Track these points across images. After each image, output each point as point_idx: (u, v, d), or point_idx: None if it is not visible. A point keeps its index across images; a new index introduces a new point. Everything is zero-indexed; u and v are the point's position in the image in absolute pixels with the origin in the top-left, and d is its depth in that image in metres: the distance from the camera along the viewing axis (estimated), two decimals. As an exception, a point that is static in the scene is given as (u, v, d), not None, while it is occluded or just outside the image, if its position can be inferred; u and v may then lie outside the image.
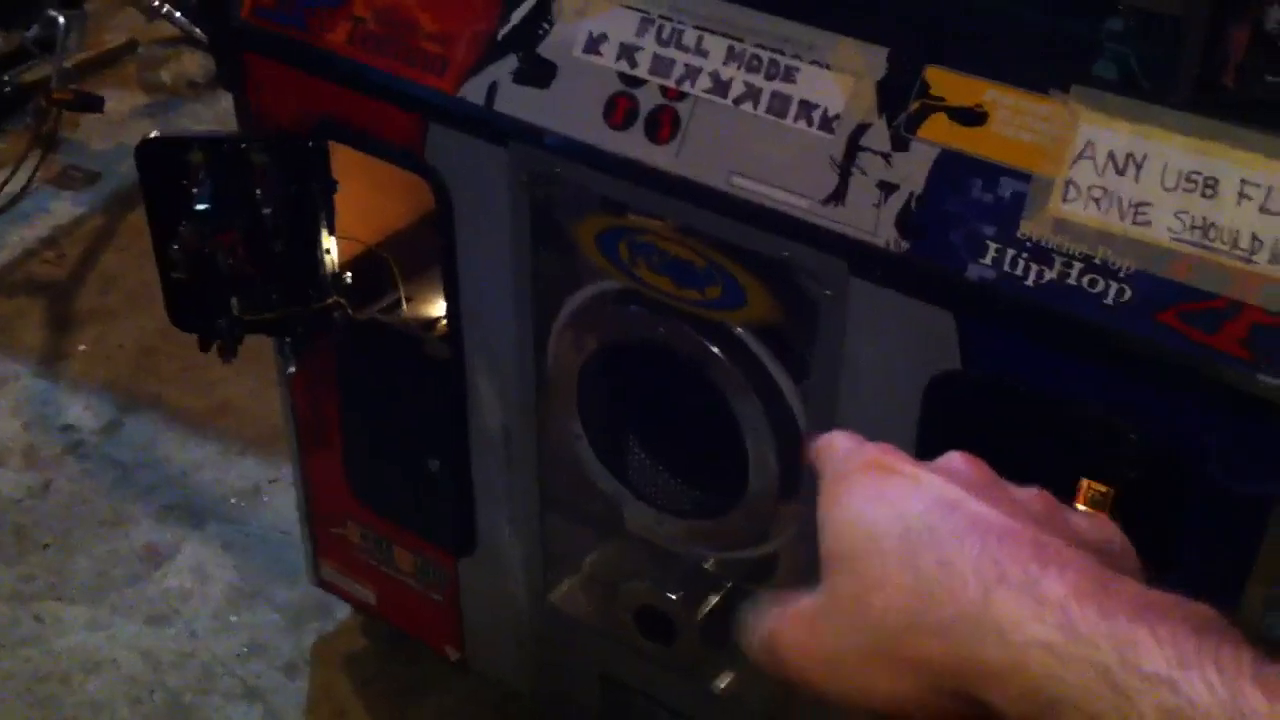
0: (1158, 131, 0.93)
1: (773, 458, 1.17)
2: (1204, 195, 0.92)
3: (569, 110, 1.12)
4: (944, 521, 0.49)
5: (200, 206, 1.27)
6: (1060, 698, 0.43)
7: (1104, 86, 0.95)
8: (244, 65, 1.28)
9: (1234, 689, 0.41)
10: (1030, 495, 0.54)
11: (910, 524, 0.49)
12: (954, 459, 0.55)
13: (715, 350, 1.15)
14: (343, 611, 1.78)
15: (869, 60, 1.02)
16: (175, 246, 1.30)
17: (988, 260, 0.97)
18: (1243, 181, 0.91)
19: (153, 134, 1.29)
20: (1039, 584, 0.45)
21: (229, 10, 1.27)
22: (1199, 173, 0.92)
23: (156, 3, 2.82)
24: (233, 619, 1.82)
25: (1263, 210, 0.90)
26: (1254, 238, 0.90)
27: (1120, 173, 0.94)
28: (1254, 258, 0.90)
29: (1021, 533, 0.48)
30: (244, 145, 1.26)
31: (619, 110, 1.10)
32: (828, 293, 1.05)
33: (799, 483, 1.17)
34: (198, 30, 2.81)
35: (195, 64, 2.96)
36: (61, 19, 2.61)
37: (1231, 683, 0.41)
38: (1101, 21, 0.94)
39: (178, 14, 2.85)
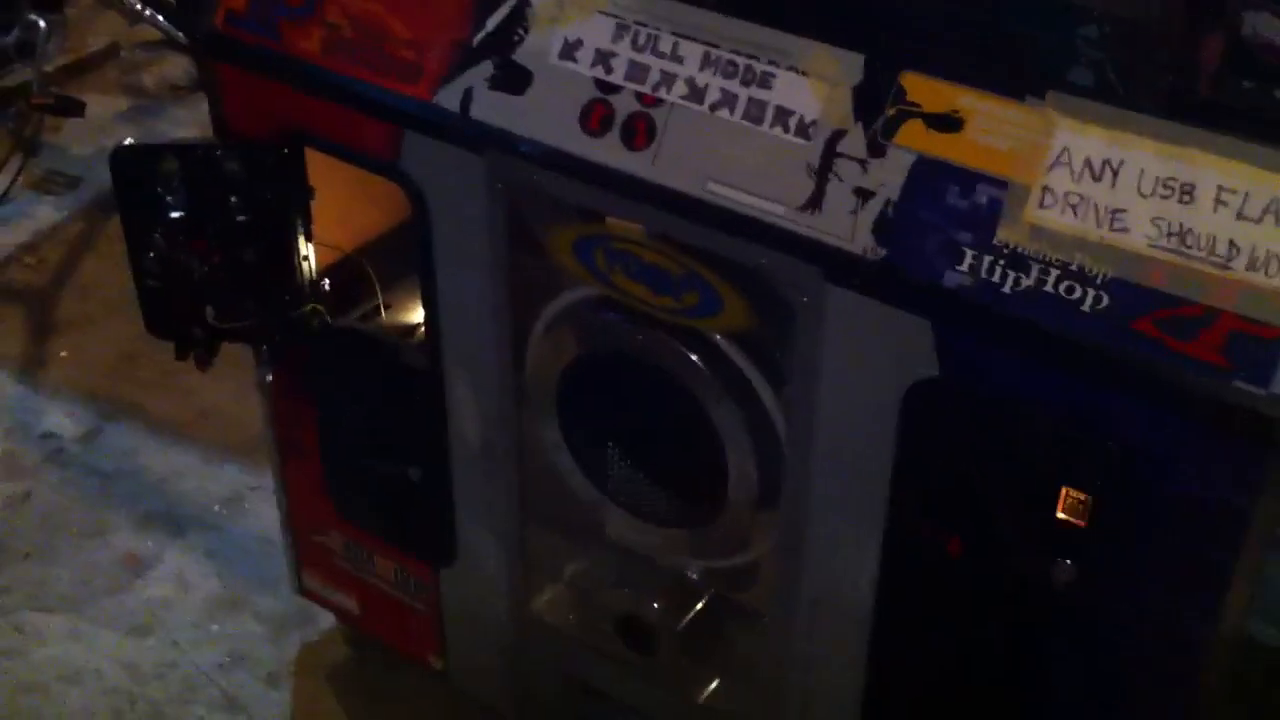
0: (1133, 138, 0.92)
1: (752, 466, 1.16)
2: (1180, 201, 0.91)
3: (545, 117, 1.11)
4: None
5: (175, 214, 1.26)
6: None
7: (1080, 93, 0.94)
8: (217, 73, 1.27)
9: None
10: None
11: None
12: None
13: (693, 358, 1.14)
14: (325, 621, 1.77)
15: (845, 66, 1.01)
16: (150, 254, 1.29)
17: (964, 267, 0.96)
18: (1219, 188, 0.90)
19: (126, 142, 1.28)
20: None
21: (203, 19, 1.27)
22: (1175, 179, 0.91)
23: (139, 6, 2.80)
24: (214, 628, 1.80)
25: (1239, 216, 0.90)
26: (1231, 244, 0.90)
27: (1096, 179, 0.93)
28: (1231, 264, 0.90)
29: None
30: (218, 153, 1.25)
31: (595, 117, 1.09)
32: (804, 300, 1.04)
33: (778, 491, 1.16)
34: (180, 34, 2.79)
35: (177, 68, 2.95)
36: (42, 23, 2.60)
37: None
38: (1078, 28, 0.93)
39: (160, 18, 2.83)
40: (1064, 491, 0.99)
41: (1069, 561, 1.01)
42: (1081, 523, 0.99)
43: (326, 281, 1.40)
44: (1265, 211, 0.89)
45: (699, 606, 1.33)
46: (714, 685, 1.36)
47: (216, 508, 1.98)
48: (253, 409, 1.57)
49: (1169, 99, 0.91)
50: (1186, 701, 1.04)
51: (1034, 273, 0.94)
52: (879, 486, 1.08)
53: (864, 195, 1.00)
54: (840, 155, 1.01)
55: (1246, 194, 0.89)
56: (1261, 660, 1.54)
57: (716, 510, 1.22)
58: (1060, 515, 1.00)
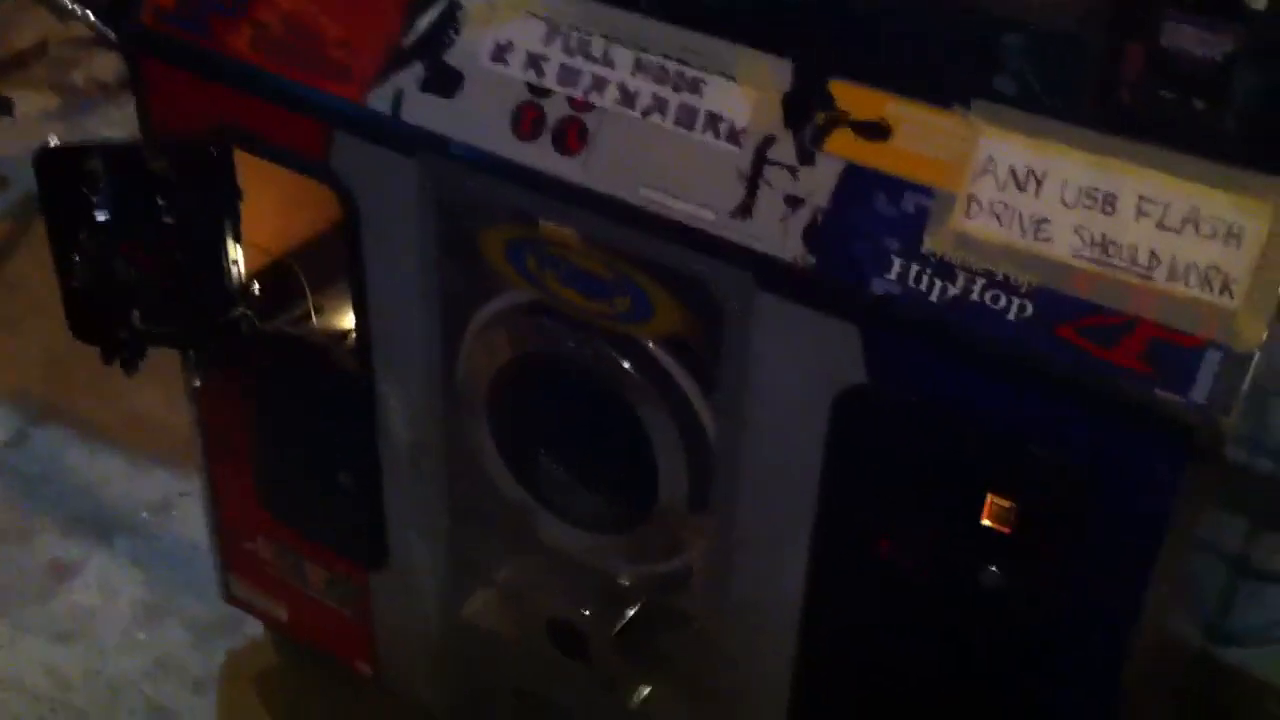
0: (1057, 147, 0.94)
1: (683, 470, 1.17)
2: (1103, 212, 0.92)
3: (476, 120, 1.10)
4: None
5: (101, 216, 1.24)
6: None
7: (1005, 102, 0.95)
8: (145, 72, 1.25)
9: None
10: None
11: None
12: None
13: (624, 363, 1.14)
14: (254, 628, 1.74)
15: (775, 73, 1.01)
16: (75, 257, 1.27)
17: (892, 275, 0.97)
18: (1140, 198, 0.91)
19: (51, 142, 1.26)
20: None
21: (130, 15, 1.25)
22: (1098, 189, 0.92)
23: (69, 3, 2.75)
24: (141, 636, 1.78)
25: (1160, 226, 0.91)
26: (1152, 254, 0.91)
27: (1021, 188, 0.94)
28: (1152, 274, 0.91)
29: None
30: (144, 153, 1.23)
31: (526, 120, 1.08)
32: (735, 306, 1.04)
33: (709, 496, 1.17)
34: (111, 31, 2.75)
35: (108, 65, 2.90)
36: (-32, 20, 2.55)
37: None
38: (1003, 36, 0.95)
39: (90, 15, 2.79)
40: (990, 499, 1.00)
41: (994, 569, 1.03)
42: (1006, 529, 1.00)
43: (256, 285, 1.38)
44: (1185, 222, 0.90)
45: (631, 611, 1.33)
46: (648, 689, 1.36)
47: (144, 514, 1.95)
48: (183, 414, 1.55)
49: (1092, 108, 0.92)
50: (1109, 701, 1.05)
51: (960, 281, 0.95)
52: (808, 490, 1.09)
53: (794, 202, 1.00)
54: (771, 162, 1.01)
55: (1166, 204, 0.91)
56: (1230, 681, 1.57)
57: (648, 515, 1.22)
58: (986, 522, 1.01)
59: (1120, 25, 0.89)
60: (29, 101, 2.79)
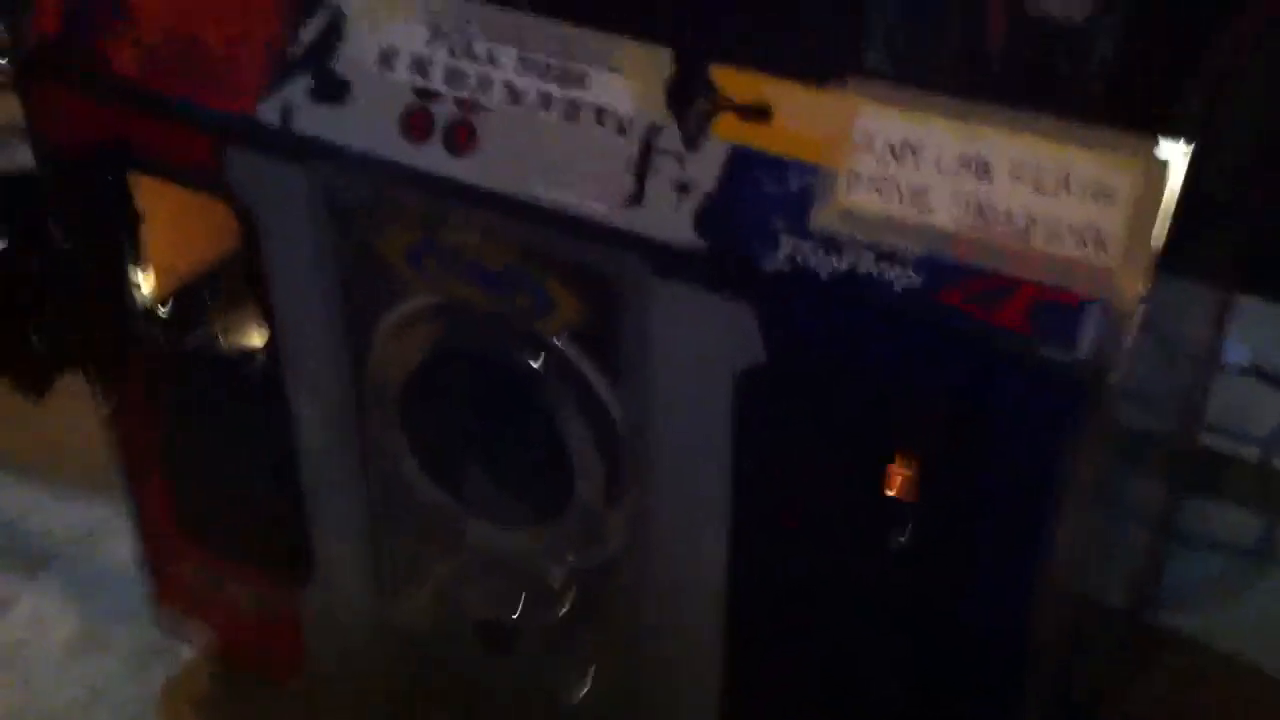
0: (930, 118, 0.96)
1: (597, 462, 1.18)
2: (979, 178, 0.95)
3: (366, 126, 1.11)
4: None
5: (-1, 246, 1.23)
6: None
7: (878, 76, 0.97)
8: (34, 98, 1.25)
9: None
10: None
11: None
12: None
13: (529, 359, 1.15)
14: (190, 652, 1.73)
15: (656, 61, 1.03)
16: (-27, 287, 1.26)
17: (782, 255, 0.99)
18: (1013, 163, 0.94)
19: (-59, 174, 1.25)
20: None
21: (17, 43, 1.24)
22: (972, 156, 0.95)
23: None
24: (74, 667, 1.76)
25: (1035, 190, 0.94)
26: (1029, 216, 0.94)
27: (899, 160, 0.96)
28: (1030, 236, 0.94)
29: None
30: (37, 180, 1.22)
31: (416, 124, 1.09)
32: (632, 294, 1.05)
33: (624, 487, 1.18)
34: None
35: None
36: None
37: None
38: (874, 10, 0.97)
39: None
40: (891, 470, 1.02)
41: (900, 539, 1.05)
42: (911, 499, 1.03)
43: (161, 306, 1.38)
44: (1058, 184, 0.93)
45: (560, 608, 1.34)
46: (579, 687, 1.36)
47: (71, 544, 1.93)
48: (102, 439, 1.54)
49: (962, 77, 0.94)
50: (1026, 659, 1.08)
51: (848, 256, 0.97)
52: (720, 473, 1.10)
53: (683, 188, 1.02)
54: (658, 150, 1.02)
55: (1039, 168, 0.93)
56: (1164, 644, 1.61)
57: (566, 509, 1.22)
58: (890, 493, 1.03)
59: (983, -6, 0.92)
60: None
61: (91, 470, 2.01)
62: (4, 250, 1.22)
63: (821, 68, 0.97)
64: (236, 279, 1.44)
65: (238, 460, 1.41)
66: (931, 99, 0.95)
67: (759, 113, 1.00)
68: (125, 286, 1.33)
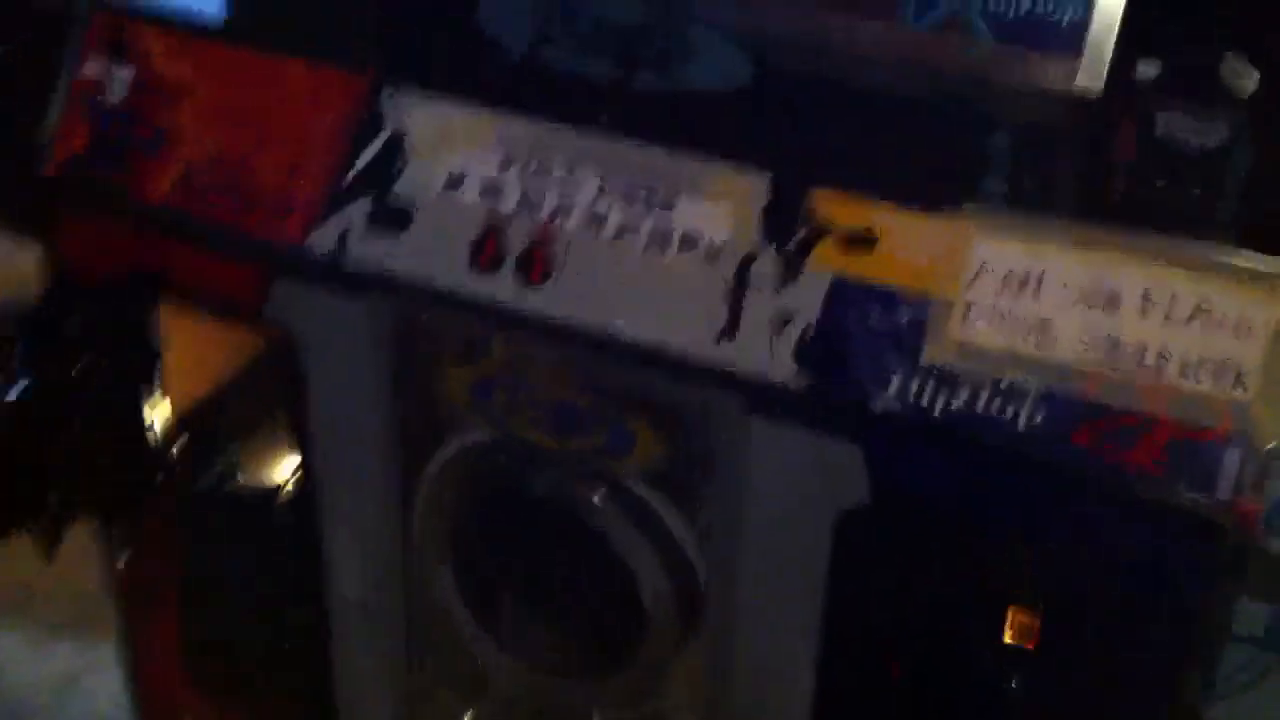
0: (1052, 247, 0.91)
1: (672, 610, 1.10)
2: (1106, 309, 0.90)
3: (431, 254, 1.04)
4: None
5: (12, 394, 1.12)
6: None
7: (995, 202, 0.93)
8: (56, 224, 1.16)
9: None
10: None
11: None
12: None
13: (601, 501, 1.08)
14: (182, 810, 1.60)
15: (751, 186, 0.97)
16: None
17: (892, 391, 0.93)
18: (1144, 292, 0.89)
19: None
20: None
21: (32, 170, 1.15)
22: (1099, 286, 0.90)
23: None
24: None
25: (1167, 320, 0.89)
26: (1161, 350, 0.89)
27: (1020, 291, 0.91)
28: (1163, 371, 0.89)
29: None
30: (54, 316, 1.13)
31: (486, 251, 1.02)
32: (724, 434, 0.99)
33: (699, 635, 1.10)
34: None
35: None
36: None
37: None
38: (988, 136, 0.92)
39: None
40: (1011, 614, 0.96)
41: (1014, 685, 0.98)
42: (1030, 645, 0.96)
43: (176, 446, 1.28)
44: (1192, 315, 0.88)
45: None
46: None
47: (48, 694, 1.80)
48: (81, 579, 1.43)
49: (1086, 204, 0.90)
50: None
51: (964, 392, 0.92)
52: (811, 618, 1.03)
53: (781, 320, 0.96)
54: (753, 280, 0.97)
55: (1173, 296, 0.88)
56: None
57: (633, 658, 1.14)
58: (1008, 640, 0.96)
59: (1110, 118, 0.88)
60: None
61: (70, 613, 1.89)
62: (23, 395, 1.12)
63: (934, 194, 0.93)
64: (250, 406, 1.36)
65: (261, 607, 1.31)
66: (1055, 226, 0.90)
67: (864, 240, 0.95)
68: (140, 427, 1.24)
